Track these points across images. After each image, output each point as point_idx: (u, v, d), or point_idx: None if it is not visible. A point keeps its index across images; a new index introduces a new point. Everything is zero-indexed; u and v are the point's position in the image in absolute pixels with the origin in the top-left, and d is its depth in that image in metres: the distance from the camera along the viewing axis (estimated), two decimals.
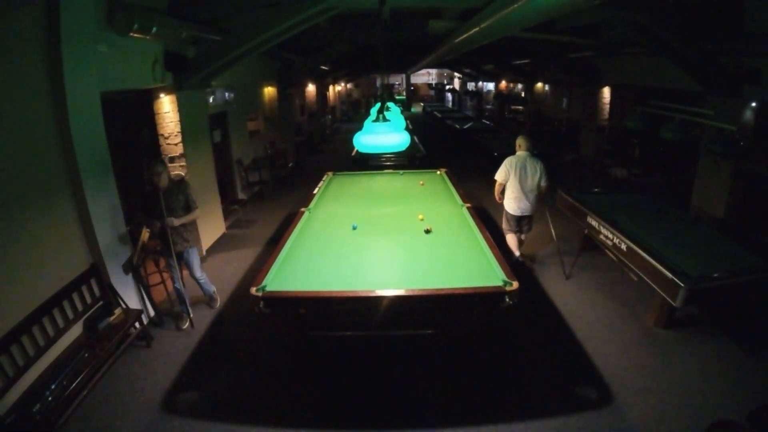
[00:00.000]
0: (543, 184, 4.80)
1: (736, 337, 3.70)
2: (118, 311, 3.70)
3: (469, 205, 4.59)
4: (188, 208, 3.94)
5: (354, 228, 4.09)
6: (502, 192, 4.99)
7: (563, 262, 5.11)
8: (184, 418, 3.06)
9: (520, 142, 4.91)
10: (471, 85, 23.50)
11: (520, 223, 5.03)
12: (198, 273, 4.17)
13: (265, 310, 2.89)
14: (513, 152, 4.97)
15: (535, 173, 4.75)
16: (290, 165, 10.29)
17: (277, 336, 3.89)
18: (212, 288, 4.40)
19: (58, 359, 3.15)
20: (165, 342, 3.88)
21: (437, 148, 7.72)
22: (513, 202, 4.87)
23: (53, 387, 2.91)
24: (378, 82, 26.74)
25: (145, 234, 3.35)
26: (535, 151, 4.97)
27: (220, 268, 5.38)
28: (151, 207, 3.78)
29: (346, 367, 3.51)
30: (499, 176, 4.88)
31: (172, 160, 5.27)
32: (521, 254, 5.18)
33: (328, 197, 5.29)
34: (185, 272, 4.18)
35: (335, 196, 5.37)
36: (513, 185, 4.81)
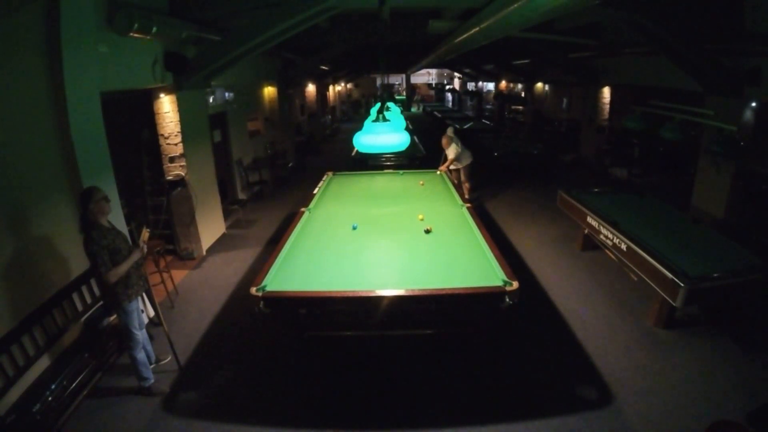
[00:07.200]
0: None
1: (736, 337, 3.70)
2: None
3: (469, 205, 4.59)
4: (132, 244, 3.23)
5: (354, 228, 4.08)
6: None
7: (563, 261, 5.10)
8: (184, 418, 3.06)
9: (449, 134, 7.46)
10: (471, 85, 23.47)
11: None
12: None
13: (265, 310, 2.89)
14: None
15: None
16: (290, 165, 10.29)
17: (277, 336, 3.89)
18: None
19: (58, 359, 3.15)
20: (165, 342, 3.87)
21: (437, 147, 7.73)
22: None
23: (53, 387, 2.91)
24: (378, 82, 26.73)
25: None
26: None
27: (220, 268, 5.38)
28: (99, 254, 2.80)
29: (345, 368, 3.50)
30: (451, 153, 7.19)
31: (172, 160, 5.28)
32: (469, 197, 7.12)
33: (328, 197, 5.29)
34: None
35: (335, 196, 5.36)
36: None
